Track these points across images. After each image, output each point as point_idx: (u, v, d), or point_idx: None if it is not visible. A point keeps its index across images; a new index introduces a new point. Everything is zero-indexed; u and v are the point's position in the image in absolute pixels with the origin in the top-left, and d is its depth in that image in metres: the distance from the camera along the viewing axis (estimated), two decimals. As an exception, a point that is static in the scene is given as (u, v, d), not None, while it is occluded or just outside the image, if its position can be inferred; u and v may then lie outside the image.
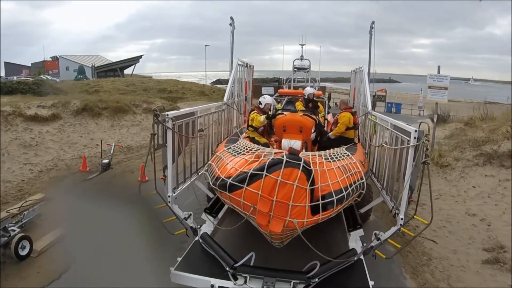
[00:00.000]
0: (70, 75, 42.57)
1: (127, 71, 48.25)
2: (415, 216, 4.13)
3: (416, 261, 5.37)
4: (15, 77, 35.06)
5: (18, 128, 11.53)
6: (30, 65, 49.66)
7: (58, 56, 50.12)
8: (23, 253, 5.22)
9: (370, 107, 7.32)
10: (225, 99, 7.40)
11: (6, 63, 49.10)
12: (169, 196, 4.60)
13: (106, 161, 8.86)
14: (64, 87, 24.52)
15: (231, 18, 9.44)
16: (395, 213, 4.48)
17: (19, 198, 7.50)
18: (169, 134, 4.49)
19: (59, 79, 35.68)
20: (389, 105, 28.19)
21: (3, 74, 43.01)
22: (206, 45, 42.73)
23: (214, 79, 65.33)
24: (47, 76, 36.90)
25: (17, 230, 5.40)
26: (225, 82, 8.17)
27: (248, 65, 9.71)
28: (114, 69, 46.18)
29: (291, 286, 3.79)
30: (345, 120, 6.43)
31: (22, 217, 5.88)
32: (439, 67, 10.29)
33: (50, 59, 51.84)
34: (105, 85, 25.98)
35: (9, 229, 5.31)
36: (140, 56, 48.76)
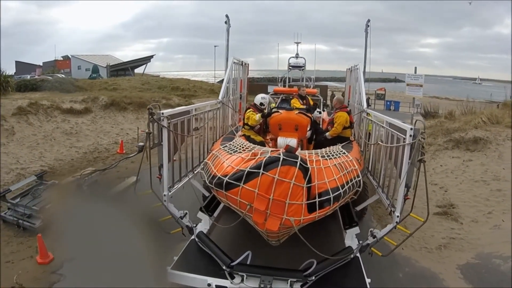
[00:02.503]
0: (82, 74, 43.65)
1: (137, 70, 49.71)
2: (411, 214, 4.21)
3: (382, 212, 7.06)
4: (28, 76, 36.63)
5: (57, 119, 13.45)
6: (41, 64, 50.75)
7: (70, 56, 51.47)
8: (90, 205, 7.05)
9: (365, 105, 7.33)
10: (220, 97, 7.39)
11: (17, 62, 50.53)
12: (164, 195, 4.63)
13: (141, 144, 10.61)
14: (84, 85, 26.30)
15: (226, 16, 9.63)
16: (391, 210, 4.57)
17: (73, 171, 9.31)
18: (165, 132, 4.49)
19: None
20: (388, 103, 29.67)
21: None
22: (215, 46, 44.23)
23: (221, 78, 66.37)
24: (62, 75, 38.64)
25: (86, 188, 7.24)
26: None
27: (243, 63, 9.63)
28: (126, 68, 47.77)
29: (288, 284, 3.86)
30: (341, 121, 6.38)
31: (84, 181, 7.67)
32: (415, 68, 12.11)
33: (61, 58, 53.25)
34: (122, 84, 27.79)
35: (83, 186, 7.17)
36: (152, 56, 50.40)
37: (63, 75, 38.21)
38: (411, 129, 4.08)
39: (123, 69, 47.60)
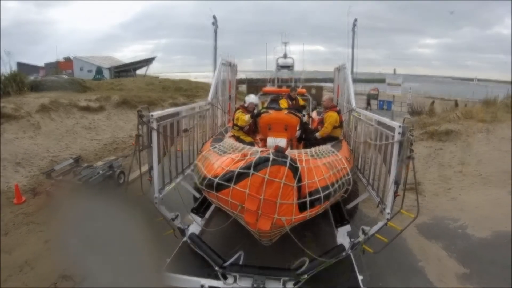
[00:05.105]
0: (84, 75, 43.97)
1: (139, 71, 50.72)
2: (401, 211, 4.30)
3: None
4: (32, 77, 37.63)
5: (76, 116, 14.89)
6: (43, 65, 51.13)
7: (72, 57, 52.23)
8: (120, 181, 8.51)
9: (354, 104, 7.30)
10: (209, 98, 7.32)
11: (19, 63, 50.95)
12: (155, 197, 4.57)
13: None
14: (92, 86, 27.65)
15: (214, 17, 9.70)
16: (382, 208, 4.60)
17: (97, 159, 10.76)
18: (154, 134, 4.44)
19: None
20: (381, 102, 31.05)
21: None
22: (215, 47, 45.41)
23: (220, 80, 66.63)
24: (66, 76, 39.79)
25: (116, 168, 8.70)
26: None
27: (232, 64, 9.56)
28: (128, 69, 48.92)
29: (281, 283, 3.89)
30: (331, 121, 6.39)
31: (112, 164, 9.09)
32: (394, 69, 13.48)
33: (63, 59, 54.00)
34: (127, 84, 29.08)
35: (114, 167, 8.63)
36: (153, 58, 51.75)
37: (67, 76, 39.47)
38: (400, 126, 4.10)
39: (125, 70, 48.75)
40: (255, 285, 3.88)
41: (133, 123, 15.73)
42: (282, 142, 6.16)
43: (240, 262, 4.20)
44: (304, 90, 10.86)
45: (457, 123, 12.21)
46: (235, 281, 3.99)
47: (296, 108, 7.63)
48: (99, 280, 4.29)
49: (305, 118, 7.08)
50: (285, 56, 12.53)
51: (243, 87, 24.85)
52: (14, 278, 5.39)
